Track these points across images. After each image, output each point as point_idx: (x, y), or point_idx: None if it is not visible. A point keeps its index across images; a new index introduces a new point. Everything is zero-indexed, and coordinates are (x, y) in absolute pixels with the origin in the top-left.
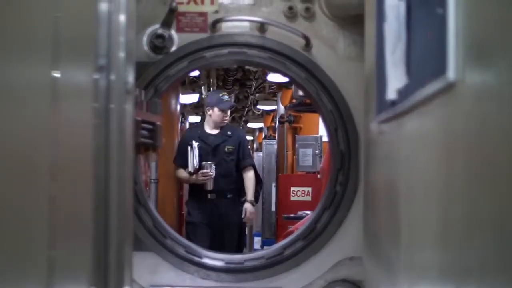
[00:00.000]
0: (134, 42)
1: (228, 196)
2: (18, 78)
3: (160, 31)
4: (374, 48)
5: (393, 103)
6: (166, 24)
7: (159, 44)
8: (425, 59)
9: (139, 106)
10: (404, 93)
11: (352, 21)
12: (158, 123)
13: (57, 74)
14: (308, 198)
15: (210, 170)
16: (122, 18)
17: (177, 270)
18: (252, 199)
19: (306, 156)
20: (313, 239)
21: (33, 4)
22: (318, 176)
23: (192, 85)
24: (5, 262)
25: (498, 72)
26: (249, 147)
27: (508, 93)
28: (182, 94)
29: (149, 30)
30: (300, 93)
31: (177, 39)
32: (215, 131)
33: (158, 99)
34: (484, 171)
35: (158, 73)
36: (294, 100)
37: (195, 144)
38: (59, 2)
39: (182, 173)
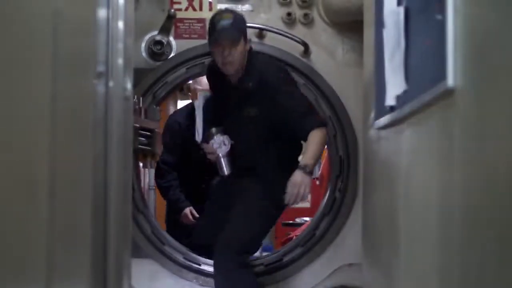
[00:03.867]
0: (132, 48)
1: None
2: (17, 84)
3: (158, 37)
4: (373, 55)
5: (392, 109)
6: (165, 30)
7: (157, 50)
8: (424, 65)
9: (137, 113)
10: (403, 99)
11: (350, 28)
12: (156, 130)
13: (56, 81)
14: (307, 204)
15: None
16: (120, 25)
17: (176, 277)
18: (307, 162)
19: None
20: (312, 246)
21: (32, 11)
22: (317, 182)
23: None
24: (4, 269)
25: (497, 79)
26: None
27: (507, 99)
28: (180, 100)
29: (148, 36)
30: None
31: (175, 45)
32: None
33: (157, 106)
34: (483, 177)
35: (157, 80)
36: None
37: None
38: (58, 9)
39: None
